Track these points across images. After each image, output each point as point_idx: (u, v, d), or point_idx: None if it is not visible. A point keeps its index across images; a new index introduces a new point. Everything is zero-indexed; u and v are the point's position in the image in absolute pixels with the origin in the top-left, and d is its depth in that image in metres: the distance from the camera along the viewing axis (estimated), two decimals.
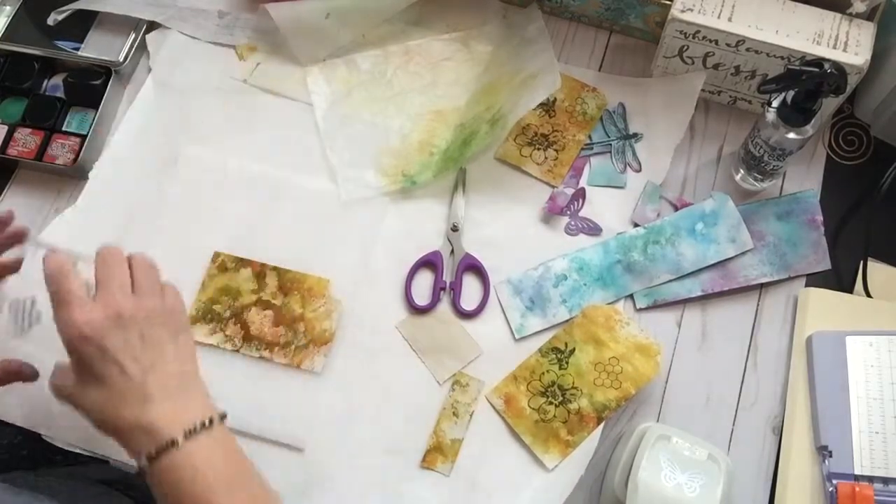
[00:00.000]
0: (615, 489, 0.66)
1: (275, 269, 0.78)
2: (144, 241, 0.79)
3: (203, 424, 0.54)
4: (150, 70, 0.87)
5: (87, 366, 0.54)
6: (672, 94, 0.82)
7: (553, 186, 0.81)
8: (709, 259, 0.76)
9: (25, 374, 0.63)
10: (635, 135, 0.83)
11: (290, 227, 0.80)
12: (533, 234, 0.79)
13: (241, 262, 0.78)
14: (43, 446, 0.70)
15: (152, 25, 0.89)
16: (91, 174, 0.82)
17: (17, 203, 0.82)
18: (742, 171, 0.79)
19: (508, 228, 0.79)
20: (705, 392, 0.73)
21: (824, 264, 0.77)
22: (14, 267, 0.68)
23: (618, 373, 0.72)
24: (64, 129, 0.84)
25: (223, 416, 0.57)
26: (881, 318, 0.73)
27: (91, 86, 0.84)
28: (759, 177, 0.78)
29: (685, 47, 0.78)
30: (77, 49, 0.87)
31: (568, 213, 0.80)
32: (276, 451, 0.72)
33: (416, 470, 0.71)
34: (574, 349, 0.73)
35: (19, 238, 0.66)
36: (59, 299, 0.54)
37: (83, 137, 0.82)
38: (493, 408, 0.73)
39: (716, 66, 0.79)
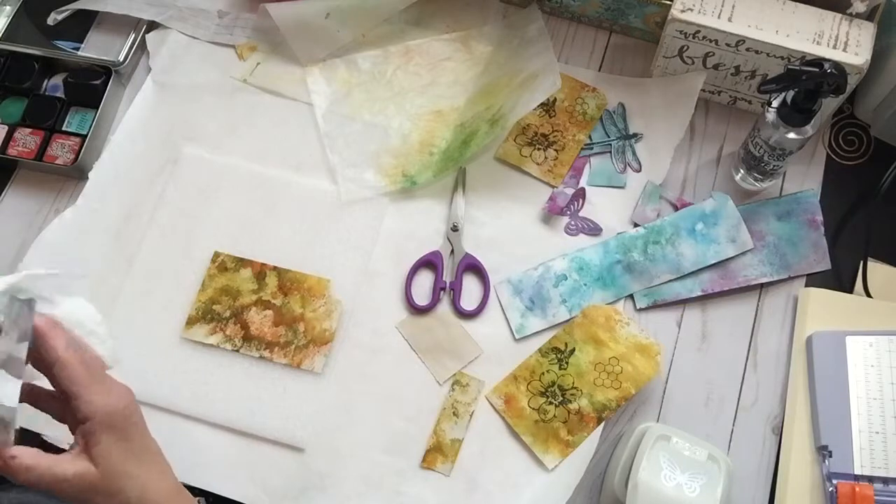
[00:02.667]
0: (615, 489, 0.66)
1: (275, 269, 0.78)
2: (144, 242, 0.79)
3: None
4: (149, 70, 0.87)
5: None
6: (672, 94, 0.82)
7: (553, 186, 0.81)
8: (709, 259, 0.76)
9: None
10: (635, 135, 0.83)
11: (290, 227, 0.80)
12: (533, 234, 0.79)
13: (241, 262, 0.78)
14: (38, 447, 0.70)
15: (152, 25, 0.89)
16: (91, 174, 0.82)
17: (17, 203, 0.82)
18: (742, 171, 0.79)
19: (508, 228, 0.79)
20: (705, 392, 0.73)
21: (824, 264, 0.77)
22: None
23: (618, 373, 0.72)
24: (64, 129, 0.84)
25: None
26: (881, 318, 0.73)
27: (91, 86, 0.84)
28: (759, 177, 0.78)
29: (685, 47, 0.78)
30: (77, 49, 0.87)
31: (568, 213, 0.80)
32: (276, 451, 0.72)
33: (416, 470, 0.71)
34: (574, 349, 0.73)
35: None
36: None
37: (83, 137, 0.82)
38: (493, 408, 0.73)
39: (716, 66, 0.79)
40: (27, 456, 0.49)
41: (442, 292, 0.77)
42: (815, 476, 0.68)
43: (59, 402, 0.54)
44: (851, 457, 0.67)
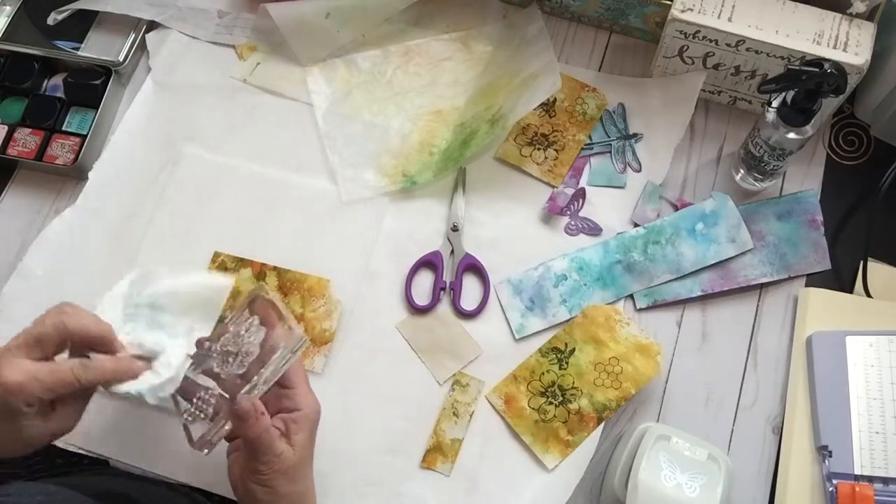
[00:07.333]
0: (615, 489, 0.66)
1: (275, 269, 0.78)
2: (144, 242, 0.79)
3: None
4: (149, 70, 0.87)
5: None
6: (672, 94, 0.82)
7: (553, 186, 0.81)
8: (709, 259, 0.76)
9: None
10: (635, 135, 0.83)
11: (290, 227, 0.80)
12: (533, 234, 0.79)
13: (241, 262, 0.78)
14: (44, 450, 0.70)
15: (152, 25, 0.89)
16: (91, 174, 0.82)
17: (17, 203, 0.82)
18: (742, 171, 0.79)
19: (508, 228, 0.79)
20: (705, 392, 0.73)
21: (824, 264, 0.77)
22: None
23: (618, 373, 0.72)
24: (64, 129, 0.84)
25: None
26: (881, 318, 0.73)
27: (91, 86, 0.84)
28: (759, 177, 0.78)
29: (685, 47, 0.78)
30: (77, 49, 0.87)
31: (568, 213, 0.80)
32: None
33: (416, 470, 0.71)
34: (574, 349, 0.73)
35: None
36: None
37: (83, 137, 0.82)
38: (493, 408, 0.73)
39: (716, 66, 0.79)
40: (267, 419, 0.54)
41: (442, 292, 0.77)
42: (815, 476, 0.68)
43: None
44: (851, 457, 0.67)
